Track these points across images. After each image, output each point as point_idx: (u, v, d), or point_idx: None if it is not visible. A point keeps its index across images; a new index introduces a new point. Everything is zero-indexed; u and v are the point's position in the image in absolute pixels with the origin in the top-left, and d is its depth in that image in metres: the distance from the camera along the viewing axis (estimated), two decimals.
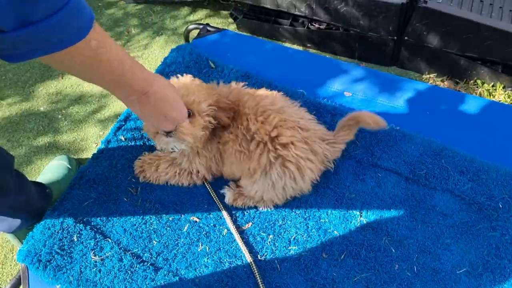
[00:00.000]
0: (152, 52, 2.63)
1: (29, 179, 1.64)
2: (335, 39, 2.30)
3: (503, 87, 2.04)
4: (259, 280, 1.31)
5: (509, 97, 2.01)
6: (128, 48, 2.68)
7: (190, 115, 1.25)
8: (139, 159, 1.56)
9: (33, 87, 2.58)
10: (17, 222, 1.51)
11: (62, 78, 2.59)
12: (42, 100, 2.51)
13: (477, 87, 2.10)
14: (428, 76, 2.18)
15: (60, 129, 2.35)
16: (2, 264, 1.97)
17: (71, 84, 2.56)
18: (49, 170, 1.93)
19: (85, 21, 0.75)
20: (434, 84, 2.14)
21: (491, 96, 2.04)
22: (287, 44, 2.51)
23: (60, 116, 2.41)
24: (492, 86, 2.06)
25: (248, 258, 1.35)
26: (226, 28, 2.66)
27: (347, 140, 1.44)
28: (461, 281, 1.29)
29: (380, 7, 1.97)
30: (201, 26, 2.04)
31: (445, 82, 2.15)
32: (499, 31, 1.83)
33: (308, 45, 2.44)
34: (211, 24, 2.64)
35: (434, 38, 2.01)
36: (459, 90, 2.10)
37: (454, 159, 1.50)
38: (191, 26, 2.07)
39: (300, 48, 2.47)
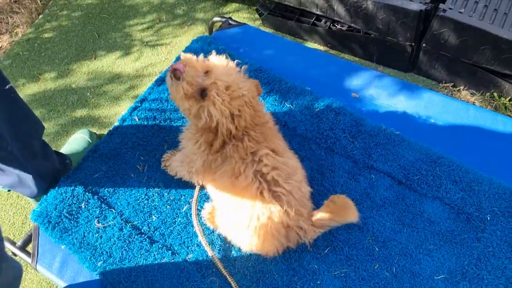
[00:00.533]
0: (180, 41, 2.75)
1: (54, 149, 1.79)
2: (355, 41, 2.32)
3: None
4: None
5: None
6: (159, 35, 2.81)
7: (204, 95, 1.17)
8: (167, 152, 1.63)
9: (68, 65, 2.75)
10: (39, 187, 1.66)
11: (95, 58, 2.75)
12: (74, 77, 2.67)
13: (494, 100, 2.08)
14: (444, 85, 2.18)
15: (88, 105, 2.51)
16: (23, 224, 2.15)
17: (103, 65, 2.72)
18: (71, 142, 2.09)
19: None
20: (449, 93, 2.13)
21: (507, 110, 2.01)
22: (309, 43, 2.55)
23: (89, 94, 2.57)
24: (509, 100, 2.03)
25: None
26: (252, 23, 2.74)
27: (327, 226, 1.33)
28: (438, 287, 1.33)
29: (398, 13, 1.98)
30: (223, 19, 2.12)
31: (461, 92, 2.14)
32: None
33: (329, 45, 2.48)
34: (237, 18, 2.73)
35: (452, 47, 2.00)
36: (474, 102, 2.08)
37: (449, 168, 1.52)
38: (215, 19, 2.16)
39: (321, 47, 2.51)
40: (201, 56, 1.24)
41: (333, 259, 1.40)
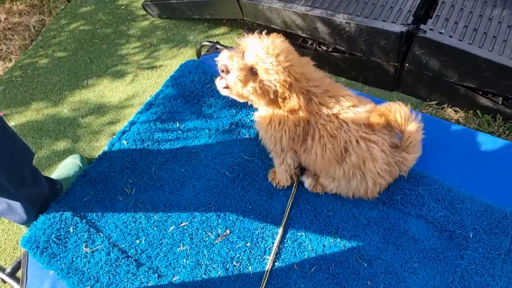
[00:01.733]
0: (170, 64, 2.80)
1: (45, 174, 1.81)
2: (341, 62, 2.37)
3: (502, 119, 2.05)
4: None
5: (508, 129, 2.02)
6: (150, 59, 2.86)
7: (255, 71, 1.23)
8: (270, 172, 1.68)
9: (61, 91, 2.78)
10: (29, 213, 1.67)
11: (87, 83, 2.79)
12: (67, 103, 2.70)
13: (477, 117, 2.12)
14: (429, 103, 2.22)
15: (80, 130, 2.54)
16: (14, 249, 2.15)
17: (95, 89, 2.75)
18: (62, 167, 2.11)
19: None
20: (434, 111, 2.17)
21: (490, 127, 2.05)
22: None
23: (80, 119, 2.59)
24: (492, 117, 2.07)
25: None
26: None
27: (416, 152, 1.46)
28: None
29: (380, 35, 2.03)
30: (211, 44, 2.17)
31: (446, 110, 2.18)
32: (496, 64, 1.86)
33: (316, 66, 2.52)
34: (225, 41, 2.79)
35: (433, 67, 2.05)
36: (458, 119, 2.12)
37: (431, 187, 1.55)
38: (203, 43, 2.21)
39: None
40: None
41: (320, 278, 1.41)
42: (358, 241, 1.48)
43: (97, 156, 1.80)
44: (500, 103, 2.04)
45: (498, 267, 1.37)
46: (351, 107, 1.35)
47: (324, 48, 2.42)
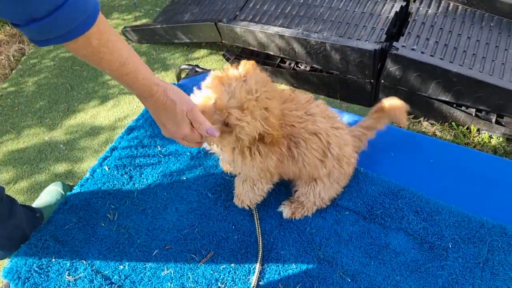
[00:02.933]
0: None
1: (27, 203, 1.79)
2: (319, 80, 2.43)
3: (477, 130, 2.11)
4: None
5: (482, 140, 2.08)
6: None
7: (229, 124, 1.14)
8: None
9: (42, 118, 2.77)
10: (6, 248, 1.65)
11: (68, 110, 2.79)
12: (48, 130, 2.69)
13: (452, 129, 2.17)
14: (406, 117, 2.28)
15: (62, 157, 2.53)
16: None
17: (76, 116, 2.75)
18: (44, 195, 2.10)
19: (87, 16, 0.82)
20: (411, 125, 2.23)
21: (465, 138, 2.11)
22: (277, 85, 2.65)
23: (62, 146, 2.59)
24: (467, 128, 2.13)
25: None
26: (220, 67, 2.84)
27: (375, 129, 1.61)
28: None
29: (355, 53, 2.10)
30: (190, 67, 2.20)
31: (422, 123, 2.23)
32: (466, 77, 1.93)
33: (294, 85, 2.58)
34: (205, 64, 2.83)
35: (408, 82, 2.11)
36: (434, 132, 2.18)
37: (410, 200, 1.58)
38: (182, 66, 2.25)
39: (286, 87, 2.61)
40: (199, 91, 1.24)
41: None
42: (341, 257, 1.49)
43: (78, 183, 1.80)
44: (473, 114, 2.10)
45: (477, 276, 1.39)
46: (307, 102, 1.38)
47: (302, 67, 2.47)
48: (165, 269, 1.51)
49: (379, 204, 1.59)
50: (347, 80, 2.28)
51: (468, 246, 1.45)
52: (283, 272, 1.48)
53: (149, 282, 1.49)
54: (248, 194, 1.53)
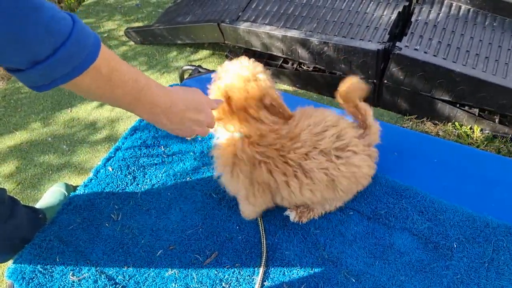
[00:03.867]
0: None
1: (30, 204, 1.79)
2: (321, 80, 2.43)
3: (480, 130, 2.11)
4: None
5: (486, 139, 2.08)
6: None
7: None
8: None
9: (44, 119, 2.79)
10: (7, 251, 1.65)
11: (71, 111, 2.80)
12: (51, 130, 2.71)
13: (456, 129, 2.17)
14: (409, 117, 2.28)
15: (65, 157, 2.53)
16: (0, 281, 2.11)
17: (79, 116, 2.76)
18: (47, 196, 2.09)
19: (91, 48, 0.79)
20: (414, 125, 2.23)
21: (468, 138, 2.10)
22: (280, 85, 2.65)
23: (65, 146, 2.60)
24: (470, 128, 2.13)
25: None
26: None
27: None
28: None
29: (358, 53, 2.10)
30: (193, 68, 2.20)
31: (425, 124, 2.23)
32: (469, 77, 1.93)
33: (297, 85, 2.58)
34: (208, 65, 2.84)
35: (411, 82, 2.11)
36: (437, 132, 2.18)
37: (414, 200, 1.58)
38: (185, 67, 2.25)
39: (290, 88, 2.61)
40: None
41: None
42: (345, 257, 1.49)
43: (82, 183, 1.80)
44: (476, 114, 2.10)
45: (483, 276, 1.39)
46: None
47: (305, 67, 2.47)
48: (170, 269, 1.51)
49: (383, 204, 1.59)
50: None
51: (473, 245, 1.45)
52: (287, 272, 1.47)
53: (153, 283, 1.49)
54: (247, 209, 1.52)
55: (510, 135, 2.09)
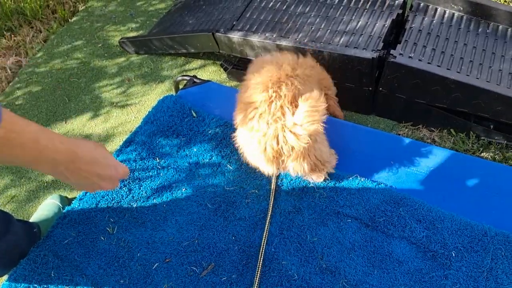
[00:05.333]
0: (149, 99, 2.81)
1: (25, 218, 1.76)
2: None
3: (476, 136, 2.11)
4: None
5: (481, 146, 2.08)
6: (128, 95, 2.88)
7: None
8: None
9: None
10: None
11: (65, 122, 2.78)
12: None
13: (451, 136, 2.17)
14: (404, 124, 2.28)
15: None
16: None
17: (74, 128, 2.75)
18: (41, 209, 2.07)
19: None
20: (410, 132, 2.23)
21: (464, 145, 2.10)
22: None
23: None
24: (466, 135, 2.13)
25: None
26: (218, 78, 2.84)
27: None
28: None
29: (353, 61, 2.10)
30: (188, 78, 2.20)
31: (421, 130, 2.23)
32: (464, 84, 1.93)
33: None
34: (203, 74, 2.83)
35: (406, 90, 2.11)
36: (433, 138, 2.17)
37: (412, 208, 1.57)
38: (179, 78, 2.24)
39: None
40: None
41: None
42: (343, 266, 1.48)
43: (77, 196, 1.79)
44: (472, 121, 2.10)
45: (481, 285, 1.38)
46: None
47: None
48: (166, 282, 1.50)
49: (381, 212, 1.58)
50: (345, 88, 2.27)
51: (471, 254, 1.44)
52: (285, 282, 1.46)
53: None
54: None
55: (505, 142, 2.09)
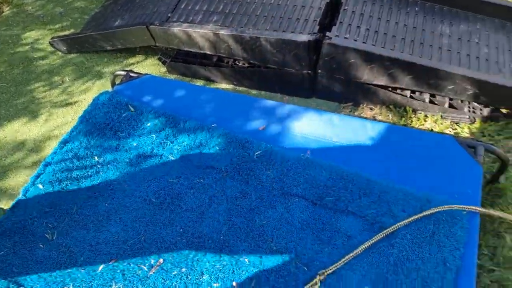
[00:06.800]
0: (85, 99, 2.69)
1: None
2: (258, 76, 2.42)
3: (413, 111, 2.19)
4: None
5: (418, 119, 2.16)
6: (63, 96, 2.73)
7: None
8: None
9: None
10: None
11: None
12: None
13: (390, 111, 2.24)
14: (345, 104, 2.32)
15: None
16: None
17: (5, 135, 2.57)
18: None
19: None
20: (351, 111, 2.27)
21: (403, 120, 2.18)
22: (217, 84, 2.62)
23: None
24: (404, 110, 2.21)
25: None
26: (158, 72, 2.76)
27: None
28: None
29: (289, 45, 2.11)
30: (124, 73, 2.11)
31: (362, 109, 2.29)
32: (398, 60, 1.99)
33: (235, 83, 2.56)
34: (142, 68, 2.75)
35: (343, 70, 2.15)
36: (374, 116, 2.23)
37: (358, 183, 1.59)
38: (116, 72, 2.15)
39: (228, 86, 2.58)
40: None
41: None
42: (294, 246, 1.47)
43: (10, 205, 1.67)
44: (408, 96, 2.18)
45: (426, 250, 1.42)
46: None
47: (241, 64, 2.45)
48: (113, 284, 1.42)
49: (328, 189, 1.58)
50: (285, 73, 2.28)
51: (416, 222, 1.48)
52: (236, 270, 1.43)
53: None
54: None
55: (440, 114, 2.18)
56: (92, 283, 1.43)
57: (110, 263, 1.47)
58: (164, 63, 2.63)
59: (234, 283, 1.40)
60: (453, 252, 1.41)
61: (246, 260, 1.45)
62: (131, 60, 2.88)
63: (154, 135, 1.79)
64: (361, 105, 2.31)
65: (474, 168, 1.63)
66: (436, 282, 1.34)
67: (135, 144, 1.78)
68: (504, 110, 2.14)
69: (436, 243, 1.42)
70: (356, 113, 2.26)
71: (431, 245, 1.42)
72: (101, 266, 1.47)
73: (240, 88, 2.54)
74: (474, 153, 1.70)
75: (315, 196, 1.58)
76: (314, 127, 1.83)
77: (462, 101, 2.18)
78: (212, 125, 1.80)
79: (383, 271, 1.39)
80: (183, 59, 2.58)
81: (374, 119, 2.22)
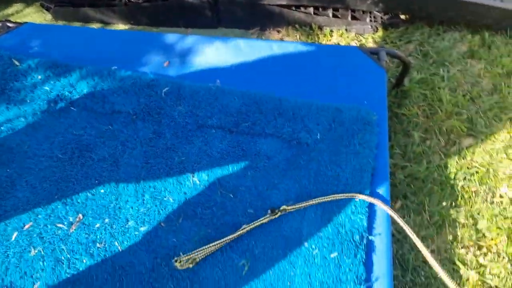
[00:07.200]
0: None
1: None
2: (156, 11, 2.26)
3: (319, 27, 2.20)
4: None
5: (324, 35, 2.17)
6: None
7: None
8: None
9: None
10: None
11: None
12: None
13: (296, 31, 2.23)
14: (252, 30, 2.27)
15: None
16: None
17: None
18: None
19: None
20: (259, 36, 2.23)
21: (310, 38, 2.18)
22: (114, 26, 2.41)
23: None
24: (310, 28, 2.20)
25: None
26: (43, 20, 2.48)
27: None
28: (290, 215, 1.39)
29: None
30: (0, 24, 1.87)
31: (268, 33, 2.25)
32: None
33: (131, 22, 2.37)
34: (24, 18, 2.45)
35: None
36: (282, 38, 2.21)
37: (271, 104, 1.58)
38: None
39: (126, 26, 2.39)
40: None
41: (189, 225, 1.36)
42: (216, 176, 1.46)
43: None
44: (312, 13, 2.16)
45: (343, 158, 1.47)
46: None
47: (134, 0, 2.27)
48: (32, 249, 1.33)
49: (243, 115, 1.57)
50: (185, 4, 2.15)
51: (330, 132, 1.52)
52: (162, 210, 1.40)
53: (17, 268, 1.30)
54: None
55: (345, 27, 2.20)
56: (8, 252, 1.33)
57: (24, 229, 1.37)
58: (48, 9, 2.35)
59: (162, 224, 1.37)
60: (369, 158, 1.47)
61: (170, 199, 1.42)
62: (9, 11, 2.53)
63: (48, 88, 1.63)
64: (268, 29, 2.27)
65: (379, 72, 1.69)
66: (355, 186, 1.41)
67: (28, 100, 1.61)
68: (402, 16, 2.22)
69: (352, 152, 1.47)
70: (263, 37, 2.22)
71: (348, 154, 1.47)
72: (15, 234, 1.36)
73: (140, 27, 2.36)
74: (378, 59, 1.76)
75: (231, 124, 1.56)
76: (221, 55, 1.77)
77: (363, 12, 2.22)
78: (113, 68, 1.67)
79: (305, 185, 1.42)
80: (69, 2, 2.32)
81: (281, 40, 2.20)
